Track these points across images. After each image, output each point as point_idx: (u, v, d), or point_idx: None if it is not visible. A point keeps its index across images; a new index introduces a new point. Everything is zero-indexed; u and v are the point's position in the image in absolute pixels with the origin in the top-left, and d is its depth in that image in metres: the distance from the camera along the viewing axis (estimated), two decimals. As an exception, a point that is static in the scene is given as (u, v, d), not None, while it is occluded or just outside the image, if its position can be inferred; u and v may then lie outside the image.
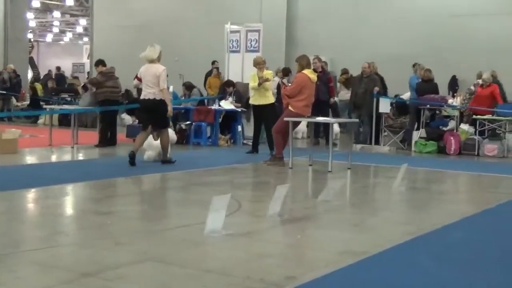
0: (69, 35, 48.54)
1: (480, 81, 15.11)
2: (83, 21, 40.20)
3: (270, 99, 12.26)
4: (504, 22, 18.47)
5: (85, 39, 44.52)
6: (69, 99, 21.30)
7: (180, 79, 20.42)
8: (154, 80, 10.28)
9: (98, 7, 26.49)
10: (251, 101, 12.45)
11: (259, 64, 12.12)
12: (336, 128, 15.37)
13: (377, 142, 14.77)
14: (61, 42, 51.28)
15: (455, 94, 17.51)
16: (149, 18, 24.39)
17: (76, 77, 30.95)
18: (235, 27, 15.79)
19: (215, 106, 14.82)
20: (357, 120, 14.14)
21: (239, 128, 14.80)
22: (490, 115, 14.12)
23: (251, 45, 15.60)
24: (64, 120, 18.48)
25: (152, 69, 10.34)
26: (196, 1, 23.94)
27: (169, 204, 7.54)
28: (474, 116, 14.34)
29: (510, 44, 18.13)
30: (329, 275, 4.48)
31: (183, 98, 16.56)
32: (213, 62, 18.91)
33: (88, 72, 35.49)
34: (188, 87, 16.38)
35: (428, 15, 19.50)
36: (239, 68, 16.15)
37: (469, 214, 7.01)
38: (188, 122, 14.71)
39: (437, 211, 7.43)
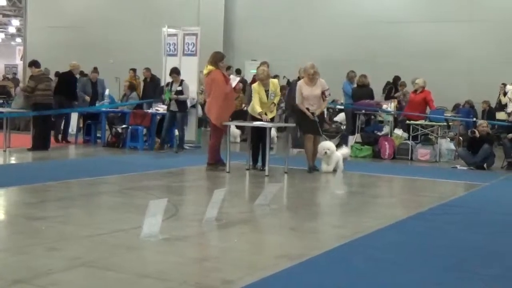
0: (1, 35, 47.34)
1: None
2: (15, 22, 39.28)
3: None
4: (438, 29, 18.94)
5: (18, 40, 43.50)
6: (1, 101, 20.80)
7: (116, 82, 20.20)
8: None
9: (31, 8, 25.97)
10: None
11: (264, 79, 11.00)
12: (273, 132, 15.43)
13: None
14: (-7, 43, 50.00)
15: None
16: (83, 19, 24.04)
17: (8, 78, 30.27)
18: (172, 30, 15.67)
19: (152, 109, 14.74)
20: (294, 124, 14.19)
21: (176, 132, 14.70)
22: (423, 121, 14.45)
23: (188, 48, 15.50)
24: (-4, 123, 17.99)
25: None
26: (131, 3, 23.72)
27: (105, 209, 7.43)
28: (407, 122, 14.65)
29: (443, 51, 18.60)
30: (266, 278, 4.50)
31: (123, 98, 16.45)
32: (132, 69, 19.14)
33: (14, 73, 34.72)
34: (130, 86, 16.30)
35: (364, 21, 19.84)
36: (176, 72, 16.04)
37: (402, 218, 7.15)
38: (124, 126, 14.54)
39: (372, 214, 7.54)
